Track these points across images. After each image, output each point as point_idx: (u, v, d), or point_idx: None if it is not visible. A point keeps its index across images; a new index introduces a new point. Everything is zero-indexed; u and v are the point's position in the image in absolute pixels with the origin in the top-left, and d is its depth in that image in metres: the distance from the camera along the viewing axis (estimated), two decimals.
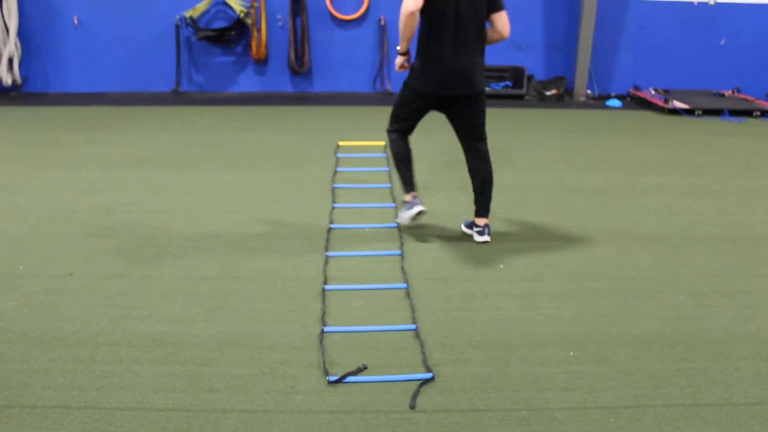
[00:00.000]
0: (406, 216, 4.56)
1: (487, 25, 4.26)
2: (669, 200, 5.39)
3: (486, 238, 4.51)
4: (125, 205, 5.07)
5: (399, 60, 4.37)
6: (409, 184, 4.59)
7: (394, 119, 4.52)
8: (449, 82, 4.21)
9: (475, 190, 4.54)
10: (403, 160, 4.56)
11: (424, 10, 4.08)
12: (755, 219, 5.00)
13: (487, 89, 9.93)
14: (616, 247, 4.43)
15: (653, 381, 2.96)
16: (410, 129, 4.54)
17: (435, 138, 5.84)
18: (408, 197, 4.59)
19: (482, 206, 4.54)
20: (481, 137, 4.44)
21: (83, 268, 3.99)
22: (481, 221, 4.56)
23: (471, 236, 4.54)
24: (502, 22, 4.20)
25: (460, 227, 4.68)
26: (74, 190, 5.43)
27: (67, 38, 9.70)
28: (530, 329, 3.38)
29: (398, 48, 4.32)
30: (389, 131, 4.57)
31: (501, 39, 4.28)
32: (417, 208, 4.51)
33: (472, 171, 4.52)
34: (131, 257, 4.16)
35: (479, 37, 4.22)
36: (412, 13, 3.99)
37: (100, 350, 3.14)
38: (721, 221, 4.95)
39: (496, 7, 4.17)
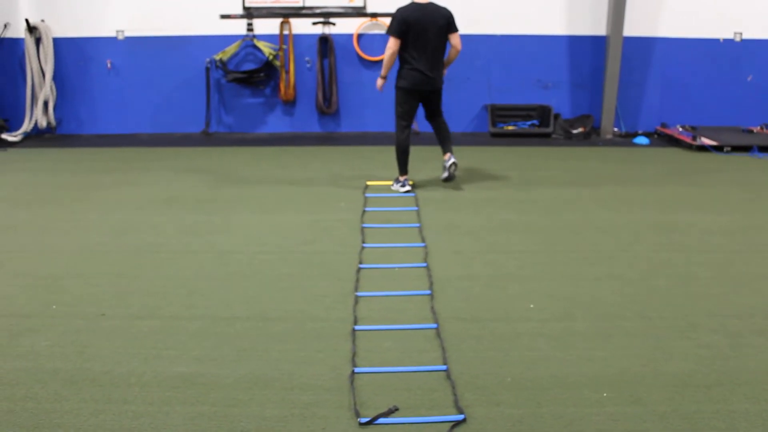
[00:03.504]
0: (398, 189, 6.64)
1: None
2: (700, 238, 5.33)
3: (452, 159, 6.72)
4: (155, 246, 5.13)
5: (379, 82, 6.66)
6: (403, 168, 6.72)
7: (399, 115, 6.58)
8: (422, 83, 6.44)
9: (439, 139, 6.83)
10: (404, 151, 6.65)
11: (405, 38, 6.26)
12: None
13: (514, 128, 10.31)
14: (648, 286, 4.38)
15: (690, 423, 2.90)
16: (411, 118, 6.64)
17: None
18: (401, 178, 6.72)
19: (446, 146, 6.80)
20: (440, 113, 6.78)
21: (115, 309, 4.03)
22: (446, 156, 6.78)
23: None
24: (456, 40, 6.47)
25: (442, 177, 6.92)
26: (106, 230, 5.51)
27: (100, 82, 9.96)
28: (563, 370, 3.34)
29: (381, 74, 6.52)
30: (398, 125, 6.58)
31: (456, 51, 6.53)
32: (407, 187, 6.63)
33: (436, 130, 6.82)
34: (162, 297, 4.20)
35: (441, 51, 6.46)
36: (393, 53, 6.36)
37: (132, 391, 3.15)
38: (754, 259, 4.87)
39: (452, 30, 6.41)
